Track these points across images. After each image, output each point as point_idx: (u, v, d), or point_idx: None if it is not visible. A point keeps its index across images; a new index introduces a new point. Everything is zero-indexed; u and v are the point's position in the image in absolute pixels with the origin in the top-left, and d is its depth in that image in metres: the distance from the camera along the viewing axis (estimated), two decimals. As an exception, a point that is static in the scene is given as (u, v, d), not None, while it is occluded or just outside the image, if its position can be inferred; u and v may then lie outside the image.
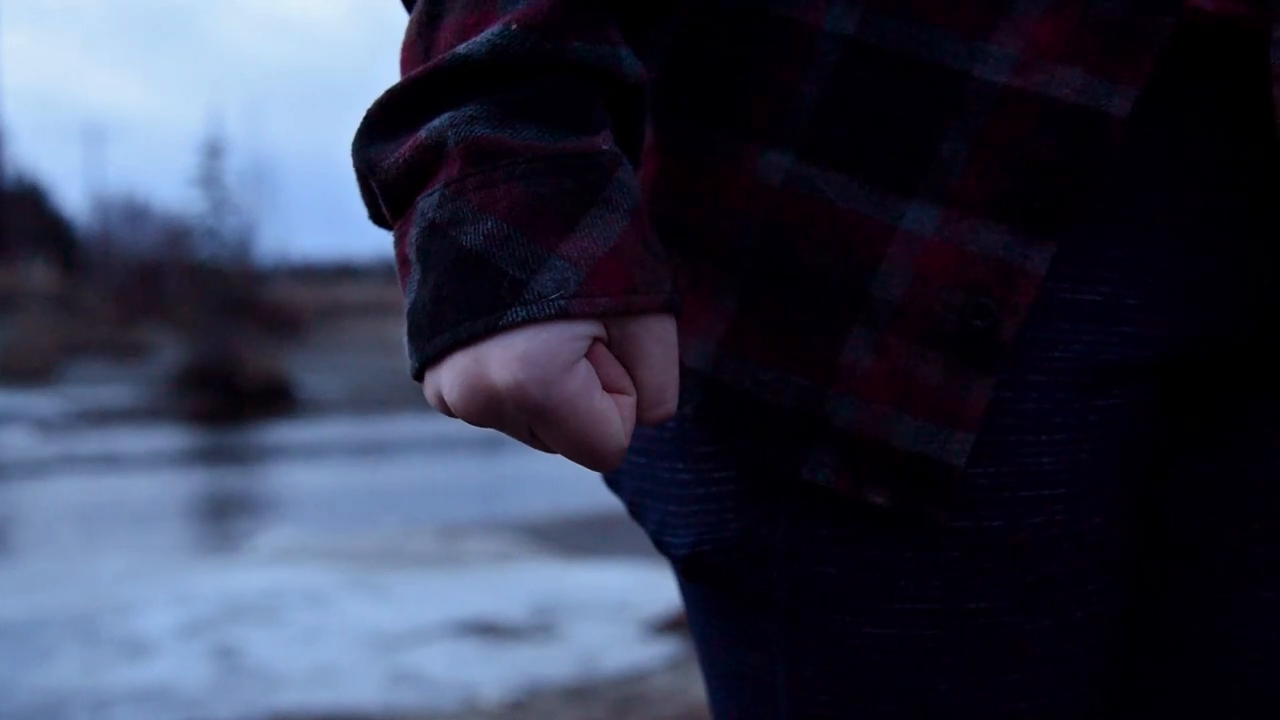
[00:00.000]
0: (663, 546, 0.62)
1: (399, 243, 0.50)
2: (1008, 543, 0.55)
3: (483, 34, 0.48)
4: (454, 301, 0.47)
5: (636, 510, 0.64)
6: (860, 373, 0.54)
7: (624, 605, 4.94)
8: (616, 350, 0.50)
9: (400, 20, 0.54)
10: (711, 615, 0.62)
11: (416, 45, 0.50)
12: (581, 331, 0.47)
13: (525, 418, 0.48)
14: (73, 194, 62.37)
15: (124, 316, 25.86)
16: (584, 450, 0.48)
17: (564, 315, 0.46)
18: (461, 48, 0.48)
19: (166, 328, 23.67)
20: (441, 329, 0.47)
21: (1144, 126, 0.55)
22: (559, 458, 0.51)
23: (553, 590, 5.51)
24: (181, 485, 10.18)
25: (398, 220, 0.50)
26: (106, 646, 4.65)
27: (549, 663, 4.31)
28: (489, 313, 0.46)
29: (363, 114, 0.50)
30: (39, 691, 4.01)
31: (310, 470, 11.02)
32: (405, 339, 0.50)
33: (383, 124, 0.49)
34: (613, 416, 0.48)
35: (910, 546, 0.56)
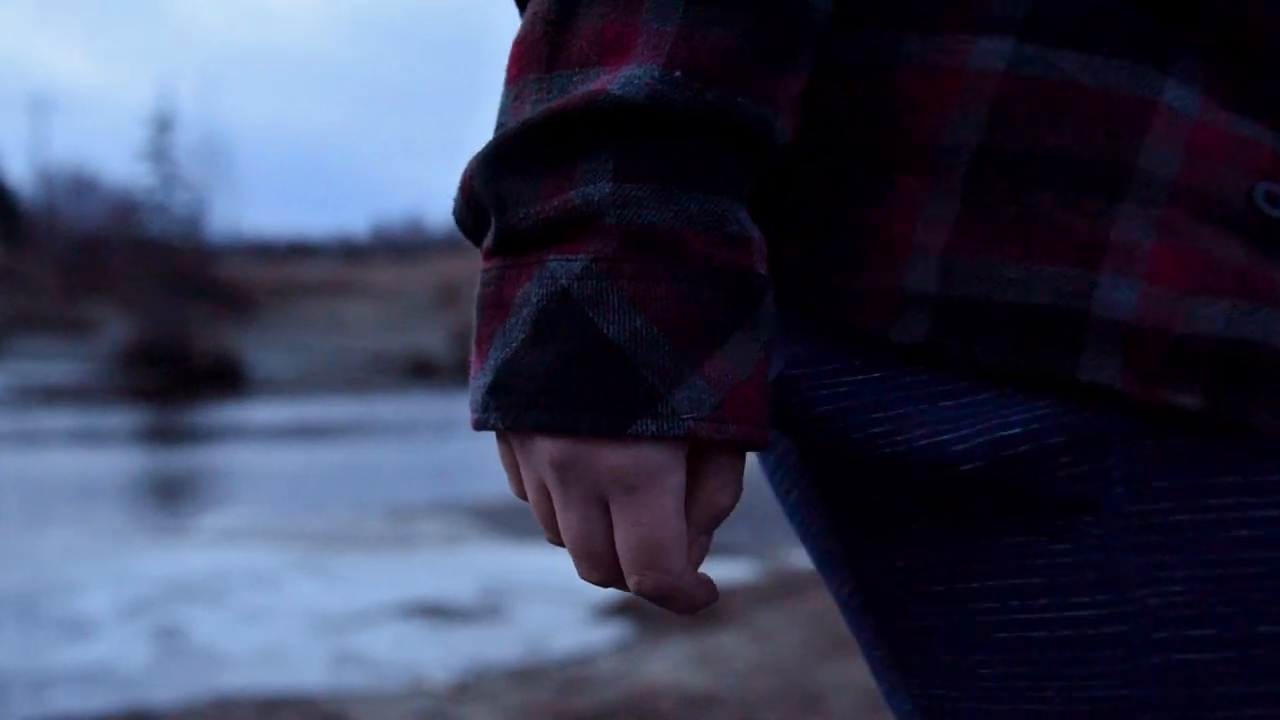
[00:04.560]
0: (942, 457, 0.52)
1: (500, 280, 0.47)
2: None
3: (638, 71, 0.45)
4: (579, 386, 0.45)
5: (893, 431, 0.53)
6: (1140, 253, 0.48)
7: (572, 588, 4.94)
8: (691, 465, 0.49)
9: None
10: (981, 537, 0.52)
11: (540, 45, 0.47)
12: (685, 449, 0.47)
13: (614, 490, 0.47)
14: (16, 165, 61.17)
15: (69, 291, 25.45)
16: (651, 543, 0.47)
17: (690, 436, 0.46)
18: (615, 87, 0.45)
19: (113, 304, 23.31)
20: (553, 407, 0.46)
21: None
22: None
23: (501, 572, 5.50)
24: (127, 464, 10.06)
25: (506, 256, 0.47)
26: (46, 627, 4.59)
27: (496, 644, 4.30)
28: (618, 415, 0.45)
29: (493, 137, 0.47)
30: (-23, 672, 3.96)
31: (260, 451, 10.92)
32: (482, 389, 0.48)
33: (519, 156, 0.47)
34: (684, 527, 0.48)
35: (1234, 462, 0.49)
